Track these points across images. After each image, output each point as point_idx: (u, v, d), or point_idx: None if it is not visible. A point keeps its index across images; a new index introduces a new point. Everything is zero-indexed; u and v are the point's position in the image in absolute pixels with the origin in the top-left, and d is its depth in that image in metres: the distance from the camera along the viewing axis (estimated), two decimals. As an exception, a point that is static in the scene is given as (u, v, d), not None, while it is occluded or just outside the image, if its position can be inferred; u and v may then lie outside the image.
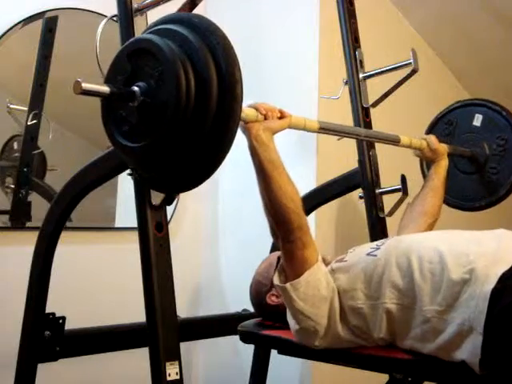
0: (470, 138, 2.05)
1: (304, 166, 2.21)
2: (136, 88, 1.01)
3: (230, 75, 0.97)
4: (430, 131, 2.13)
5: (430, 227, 1.75)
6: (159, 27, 1.05)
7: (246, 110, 1.32)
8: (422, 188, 1.84)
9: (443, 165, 1.84)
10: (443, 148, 1.86)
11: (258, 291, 1.63)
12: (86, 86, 0.98)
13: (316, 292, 1.37)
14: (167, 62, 0.97)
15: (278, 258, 1.51)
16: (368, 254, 1.43)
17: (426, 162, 2.01)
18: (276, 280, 1.42)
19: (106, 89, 1.01)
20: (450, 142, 2.01)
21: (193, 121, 0.97)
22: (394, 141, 1.74)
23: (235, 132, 1.00)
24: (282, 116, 1.41)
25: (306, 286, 1.36)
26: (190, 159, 1.01)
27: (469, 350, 1.22)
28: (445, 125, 2.12)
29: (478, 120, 2.04)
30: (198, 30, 1.00)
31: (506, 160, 1.98)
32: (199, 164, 1.02)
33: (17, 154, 2.05)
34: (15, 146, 2.05)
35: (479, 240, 1.38)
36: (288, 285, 1.37)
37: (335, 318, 1.38)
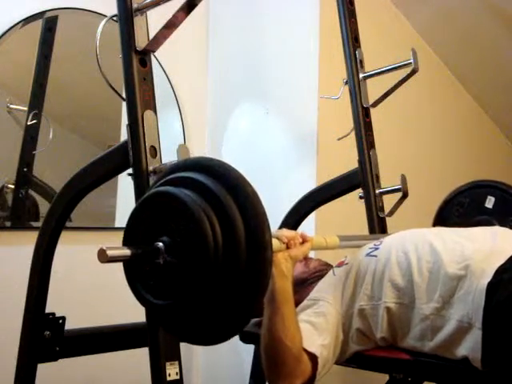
0: (483, 220, 1.97)
1: (304, 165, 2.21)
2: (160, 244, 0.95)
3: (260, 237, 0.91)
4: (440, 212, 2.08)
5: None
6: (183, 175, 0.98)
7: None
8: None
9: None
10: None
11: None
12: (111, 253, 0.93)
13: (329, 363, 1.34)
14: (194, 218, 0.91)
15: None
16: (367, 255, 1.43)
17: None
18: None
19: (128, 252, 0.95)
20: (461, 223, 1.95)
21: (221, 278, 0.92)
22: None
23: (266, 289, 0.96)
24: (303, 240, 1.35)
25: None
26: (217, 318, 0.96)
27: (470, 346, 1.22)
28: (455, 206, 2.05)
29: (490, 202, 1.98)
30: (225, 183, 0.94)
31: None
32: (226, 323, 0.96)
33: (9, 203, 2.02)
34: (6, 196, 2.02)
35: (474, 237, 1.39)
36: None
37: (339, 346, 1.37)
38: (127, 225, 1.02)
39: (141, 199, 1.02)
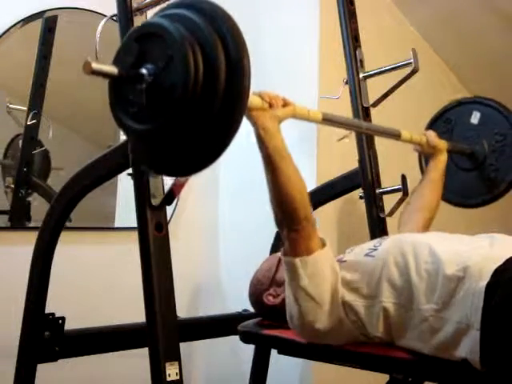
0: (469, 136, 2.05)
1: (304, 165, 2.18)
2: (144, 70, 1.00)
3: (239, 61, 0.98)
4: (428, 129, 2.13)
5: (428, 222, 1.76)
6: (169, 12, 1.05)
7: (251, 98, 1.30)
8: (420, 182, 1.84)
9: (442, 159, 1.85)
10: (443, 144, 1.86)
11: (257, 288, 1.64)
12: (95, 66, 0.98)
13: (321, 273, 1.36)
14: (176, 44, 0.97)
15: (279, 260, 1.52)
16: (366, 255, 1.43)
17: (425, 158, 2.01)
18: (283, 256, 1.39)
19: (114, 70, 1.01)
20: (448, 139, 2.01)
21: (201, 103, 0.97)
22: (395, 135, 1.73)
23: (242, 115, 1.00)
24: (285, 104, 1.40)
25: (314, 265, 1.35)
26: (198, 141, 1.01)
27: (468, 348, 1.22)
28: (443, 123, 2.12)
29: (475, 117, 2.04)
30: (208, 16, 1.00)
31: (505, 156, 1.98)
32: (206, 146, 1.02)
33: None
34: (20, 144, 2.05)
35: (473, 240, 1.40)
36: (297, 260, 1.34)
37: (338, 301, 1.37)
38: (115, 55, 1.06)
39: (129, 31, 1.07)
